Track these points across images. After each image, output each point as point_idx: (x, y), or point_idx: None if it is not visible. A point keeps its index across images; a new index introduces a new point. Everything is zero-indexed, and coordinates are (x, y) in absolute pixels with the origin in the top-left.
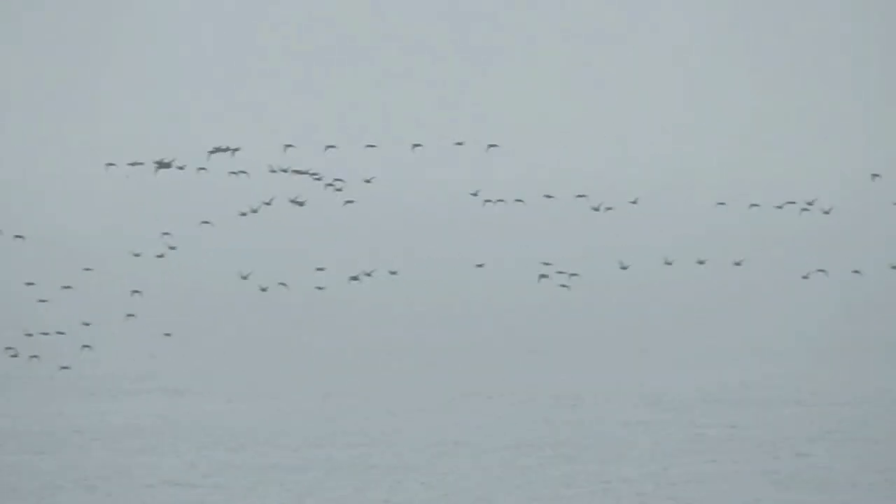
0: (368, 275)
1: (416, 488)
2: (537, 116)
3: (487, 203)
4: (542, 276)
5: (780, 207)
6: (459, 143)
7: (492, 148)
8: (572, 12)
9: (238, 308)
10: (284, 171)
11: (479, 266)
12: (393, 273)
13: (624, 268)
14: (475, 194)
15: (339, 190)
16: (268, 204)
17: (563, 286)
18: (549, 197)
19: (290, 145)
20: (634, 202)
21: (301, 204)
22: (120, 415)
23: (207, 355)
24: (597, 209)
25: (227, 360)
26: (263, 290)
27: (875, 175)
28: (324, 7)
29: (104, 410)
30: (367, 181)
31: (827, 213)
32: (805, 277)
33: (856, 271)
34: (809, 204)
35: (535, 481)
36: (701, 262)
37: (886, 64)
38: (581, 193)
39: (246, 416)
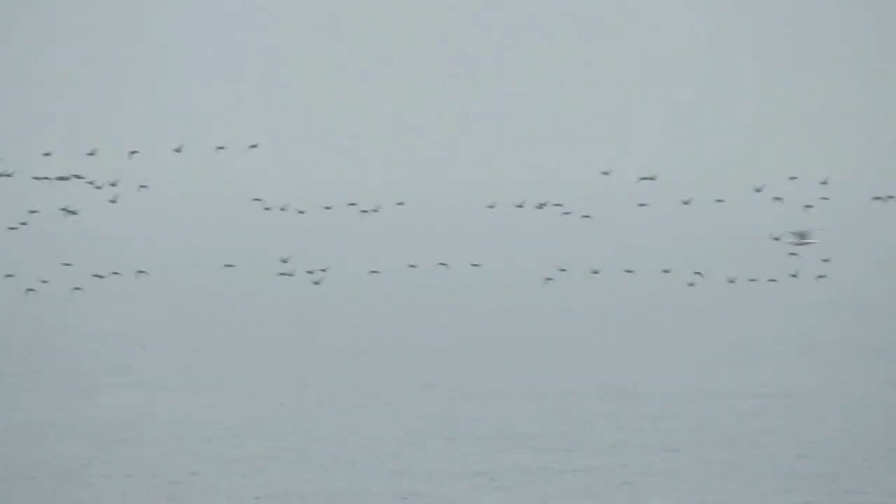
0: (116, 273)
1: (384, 479)
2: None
3: (267, 210)
4: (283, 273)
5: (539, 207)
6: (221, 147)
7: (252, 148)
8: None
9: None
10: (47, 178)
11: (229, 266)
12: (141, 272)
13: (374, 272)
14: (258, 199)
15: (98, 187)
16: (34, 212)
17: (316, 283)
18: (328, 208)
19: (47, 153)
20: (401, 204)
21: (73, 213)
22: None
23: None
24: (365, 212)
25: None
26: (29, 290)
27: (605, 173)
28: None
29: (75, 405)
30: (143, 186)
31: (587, 217)
32: (549, 279)
33: (595, 271)
34: (556, 204)
35: (494, 471)
36: (443, 265)
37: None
38: (352, 201)
39: (221, 410)
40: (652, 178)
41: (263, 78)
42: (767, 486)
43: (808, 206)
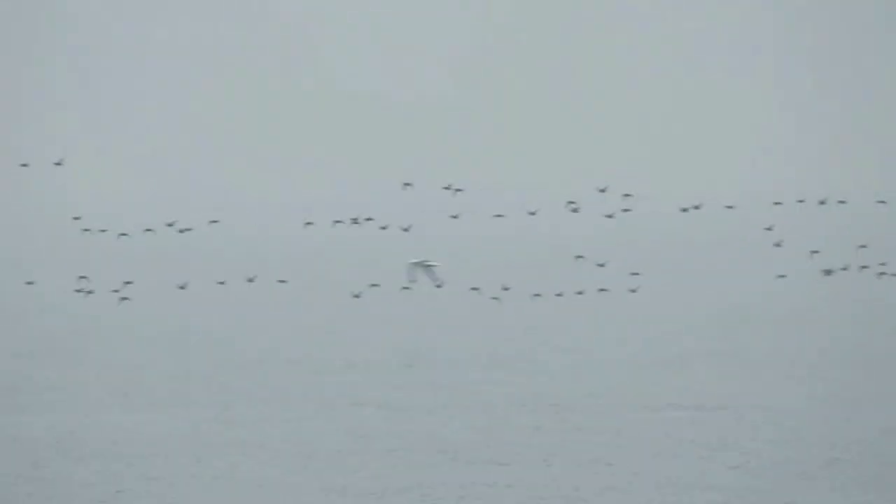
0: None
1: (314, 495)
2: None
3: (86, 231)
4: (80, 290)
5: (354, 223)
6: (24, 165)
7: (57, 165)
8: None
9: None
10: None
11: (29, 283)
12: None
13: (182, 287)
14: (77, 218)
15: None
16: None
17: (125, 299)
18: (148, 230)
19: None
20: (214, 222)
21: None
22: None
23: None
24: (181, 231)
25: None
26: None
27: (407, 184)
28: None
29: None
30: None
31: (406, 230)
32: (356, 296)
33: (406, 287)
34: (368, 219)
35: (424, 485)
36: (251, 280)
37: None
38: (170, 221)
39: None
40: (459, 190)
41: (77, 96)
42: (701, 498)
43: (608, 216)
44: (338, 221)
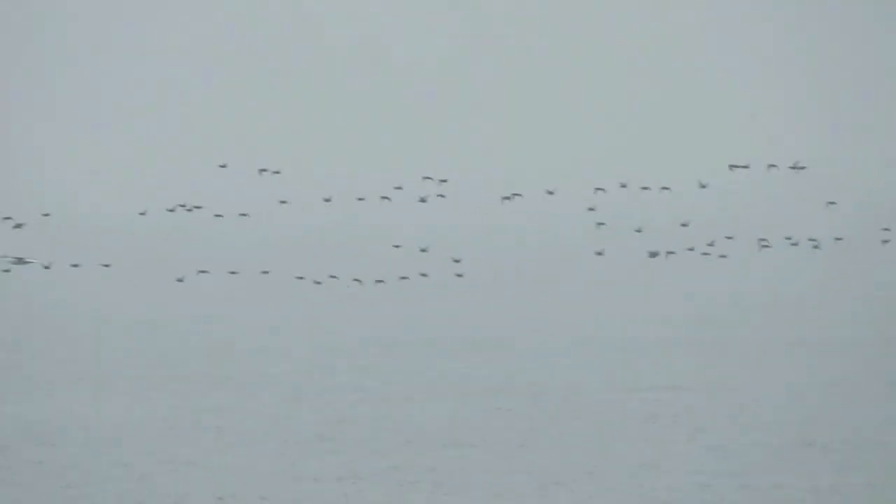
0: None
1: (283, 483)
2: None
3: None
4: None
5: (189, 211)
6: None
7: None
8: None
9: None
10: None
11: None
12: None
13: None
14: None
15: None
16: None
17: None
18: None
19: None
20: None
21: None
22: None
23: None
24: (16, 227)
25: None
26: None
27: (222, 166)
28: None
29: None
30: None
31: (244, 215)
32: (180, 280)
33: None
34: (197, 206)
35: (398, 470)
36: (75, 266)
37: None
38: (7, 215)
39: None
40: (276, 173)
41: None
42: (679, 480)
43: (422, 200)
44: (171, 210)
